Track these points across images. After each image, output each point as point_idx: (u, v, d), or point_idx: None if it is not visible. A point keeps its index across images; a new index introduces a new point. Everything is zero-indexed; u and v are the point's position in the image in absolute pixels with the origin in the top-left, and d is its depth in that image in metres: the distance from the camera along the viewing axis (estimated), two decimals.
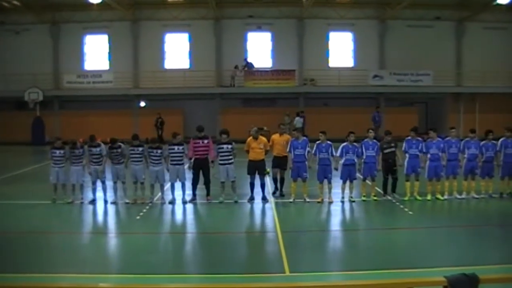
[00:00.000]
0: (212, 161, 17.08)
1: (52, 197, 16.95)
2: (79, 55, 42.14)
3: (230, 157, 16.85)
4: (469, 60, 41.89)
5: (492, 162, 17.39)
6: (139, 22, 41.60)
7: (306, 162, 16.89)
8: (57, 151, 16.94)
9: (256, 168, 16.96)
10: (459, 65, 42.48)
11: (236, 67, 40.35)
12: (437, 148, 16.95)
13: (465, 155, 17.27)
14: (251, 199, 17.06)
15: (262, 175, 17.10)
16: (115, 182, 16.96)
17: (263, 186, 17.09)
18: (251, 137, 17.29)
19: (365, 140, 17.20)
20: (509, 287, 7.00)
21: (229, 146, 16.88)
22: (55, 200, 16.88)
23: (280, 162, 17.31)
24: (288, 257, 11.02)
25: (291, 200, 16.88)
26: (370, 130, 17.50)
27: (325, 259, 11.40)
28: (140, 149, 16.91)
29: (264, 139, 17.37)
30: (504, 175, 17.50)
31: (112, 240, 13.47)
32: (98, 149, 16.83)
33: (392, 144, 17.23)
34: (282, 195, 17.31)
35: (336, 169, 16.87)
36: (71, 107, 42.02)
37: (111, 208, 16.49)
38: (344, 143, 16.86)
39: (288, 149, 16.99)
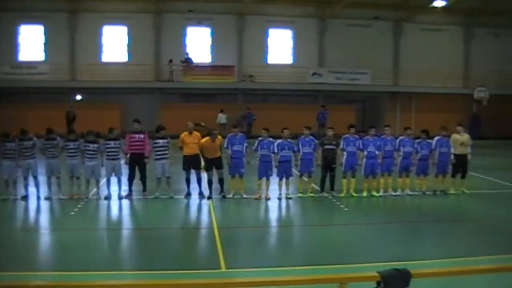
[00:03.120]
0: (147, 157, 16.85)
1: None
2: (13, 46, 40.91)
3: (166, 152, 16.71)
4: (406, 60, 42.96)
5: (427, 160, 17.78)
6: (77, 14, 40.75)
7: (244, 158, 16.86)
8: None
9: (191, 163, 16.82)
10: (396, 65, 43.48)
11: (171, 61, 40.04)
12: (374, 146, 17.20)
13: (400, 153, 17.58)
14: (188, 194, 16.92)
15: (198, 169, 16.97)
16: (49, 177, 16.52)
17: (199, 181, 16.97)
18: (186, 132, 17.05)
19: (302, 137, 17.27)
20: (439, 281, 7.13)
21: (165, 141, 16.73)
22: None
23: (214, 163, 16.91)
24: (224, 253, 10.96)
25: (229, 196, 16.83)
26: (305, 128, 17.51)
27: (261, 255, 11.36)
28: (76, 143, 16.54)
29: (198, 134, 17.17)
30: (439, 173, 17.95)
31: (46, 237, 13.10)
32: (30, 142, 16.32)
33: (333, 142, 17.37)
34: (224, 197, 16.87)
35: (276, 166, 16.87)
36: (4, 99, 40.77)
37: (44, 204, 16.07)
38: (279, 140, 16.87)
39: (225, 145, 16.92)
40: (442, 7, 38.87)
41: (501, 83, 41.38)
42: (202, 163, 17.28)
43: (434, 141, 17.80)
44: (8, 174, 16.33)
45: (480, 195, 18.50)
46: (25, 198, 16.44)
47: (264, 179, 16.85)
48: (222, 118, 37.70)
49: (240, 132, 17.27)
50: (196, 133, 17.10)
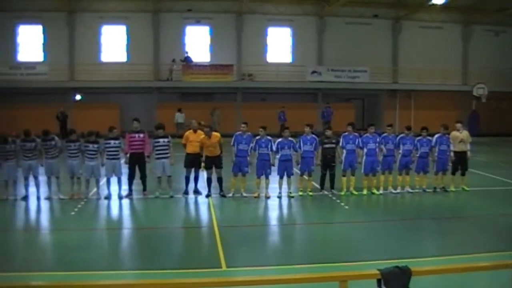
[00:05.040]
0: (148, 156, 16.86)
1: None
2: (12, 46, 40.82)
3: (166, 151, 16.71)
4: (405, 57, 42.94)
5: (427, 157, 17.79)
6: (75, 13, 40.66)
7: (248, 158, 16.87)
8: None
9: (193, 161, 16.83)
10: (395, 63, 43.47)
11: (173, 60, 40.03)
12: (374, 143, 17.22)
13: (400, 151, 17.60)
14: (186, 193, 16.97)
15: (198, 168, 17.01)
16: (49, 177, 16.54)
17: (196, 179, 17.05)
18: (190, 130, 17.10)
19: (303, 135, 17.28)
20: (440, 278, 7.14)
21: (165, 140, 16.74)
22: None
23: (213, 162, 16.93)
24: (225, 252, 10.98)
25: (229, 195, 16.84)
26: (306, 126, 17.54)
27: (261, 254, 11.37)
28: (76, 144, 16.54)
29: (201, 132, 17.18)
30: (438, 170, 17.94)
31: (46, 237, 13.10)
32: (32, 144, 16.34)
33: (333, 140, 17.37)
34: (223, 196, 16.87)
35: (274, 164, 16.88)
36: (3, 99, 40.71)
37: (45, 204, 16.07)
38: (280, 139, 16.88)
39: (232, 143, 16.91)
40: (441, 5, 38.85)
41: (500, 80, 41.42)
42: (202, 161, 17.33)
43: (434, 139, 17.81)
44: (8, 175, 16.34)
45: (480, 192, 18.49)
46: (25, 198, 16.43)
47: (263, 177, 16.84)
48: (179, 117, 37.65)
49: (248, 132, 17.13)
50: (200, 132, 17.12)
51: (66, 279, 9.20)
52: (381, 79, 42.35)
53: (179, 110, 38.00)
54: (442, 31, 43.53)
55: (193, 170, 16.99)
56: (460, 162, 18.09)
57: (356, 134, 17.59)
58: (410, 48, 42.76)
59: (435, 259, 10.42)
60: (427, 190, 17.85)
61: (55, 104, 37.97)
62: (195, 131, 17.05)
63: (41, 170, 16.71)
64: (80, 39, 40.74)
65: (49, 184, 16.58)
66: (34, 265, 10.58)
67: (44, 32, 41.00)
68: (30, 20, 40.45)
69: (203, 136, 16.86)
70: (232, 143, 16.92)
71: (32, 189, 16.68)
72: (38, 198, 16.42)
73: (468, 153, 18.19)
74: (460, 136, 18.04)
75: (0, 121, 35.11)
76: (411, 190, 17.70)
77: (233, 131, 17.51)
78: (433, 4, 38.83)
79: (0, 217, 14.81)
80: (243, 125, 17.20)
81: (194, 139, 16.90)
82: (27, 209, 15.78)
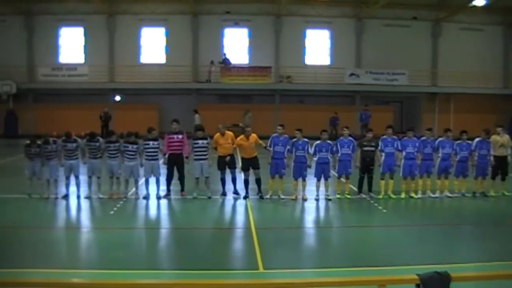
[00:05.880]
0: (187, 157, 16.97)
1: (27, 191, 16.67)
2: (54, 48, 41.68)
3: (205, 153, 16.79)
4: (445, 60, 42.38)
5: (466, 162, 17.55)
6: (115, 16, 41.31)
7: (285, 160, 16.87)
8: (32, 149, 16.64)
9: (225, 163, 16.88)
10: (434, 65, 42.92)
11: (212, 62, 40.22)
12: (413, 147, 17.06)
13: (439, 154, 17.41)
14: (223, 194, 17.02)
15: (233, 169, 17.05)
16: (90, 177, 16.80)
17: (234, 180, 17.05)
18: (218, 134, 17.09)
19: (341, 138, 17.24)
20: (480, 285, 7.05)
21: (204, 142, 16.82)
22: (31, 195, 16.61)
23: (251, 164, 16.99)
24: (262, 253, 10.99)
25: (267, 196, 16.86)
26: (345, 128, 17.49)
27: (298, 256, 11.36)
28: (116, 145, 16.77)
29: (231, 133, 17.21)
30: (478, 175, 17.70)
31: (86, 235, 13.28)
32: (73, 144, 16.63)
33: (373, 143, 17.26)
34: (261, 197, 16.88)
35: (310, 166, 16.85)
36: (45, 100, 41.53)
37: (85, 203, 16.31)
38: (318, 141, 16.83)
39: (268, 144, 16.95)
40: (482, 6, 38.24)
41: None
42: (238, 163, 17.36)
43: (474, 143, 17.58)
44: (50, 174, 16.69)
45: None
46: (66, 197, 16.72)
47: (300, 180, 16.82)
48: (197, 119, 37.67)
49: (285, 134, 17.13)
50: (229, 134, 17.16)
51: (104, 277, 9.31)
52: (420, 82, 41.95)
53: (196, 112, 38.16)
54: (483, 33, 42.83)
55: (228, 171, 17.03)
56: (500, 167, 17.83)
57: (394, 137, 17.46)
58: (450, 50, 42.19)
59: (475, 265, 10.28)
60: (466, 194, 17.62)
61: (95, 105, 38.58)
62: (223, 134, 17.05)
63: (82, 169, 16.99)
64: (120, 41, 41.35)
65: (89, 183, 16.84)
66: (74, 262, 10.78)
67: (85, 34, 41.72)
68: (72, 22, 41.29)
69: (240, 137, 16.93)
70: (269, 145, 16.95)
71: (72, 188, 16.95)
72: (78, 197, 16.68)
73: (509, 157, 17.91)
74: (501, 141, 17.78)
75: (43, 121, 35.98)
76: (450, 195, 17.47)
77: (270, 133, 17.51)
78: (474, 6, 38.24)
79: (41, 215, 15.08)
80: (279, 127, 17.19)
81: (223, 142, 16.92)
82: (67, 207, 16.04)
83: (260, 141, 17.10)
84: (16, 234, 12.77)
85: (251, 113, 37.78)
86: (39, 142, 16.71)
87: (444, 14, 42.09)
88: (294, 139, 16.87)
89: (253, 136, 17.02)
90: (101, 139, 17.07)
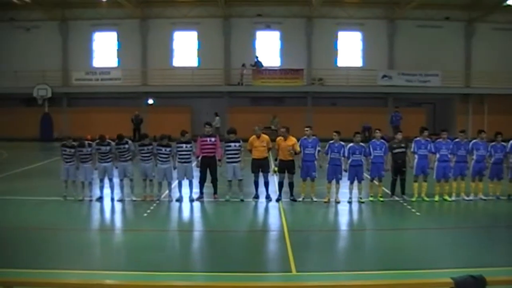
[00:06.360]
0: (219, 160, 17.04)
1: (62, 194, 16.97)
2: (88, 52, 42.37)
3: (238, 155, 16.84)
4: (478, 61, 41.90)
5: (501, 164, 17.31)
6: (148, 20, 41.77)
7: (316, 162, 16.84)
8: (67, 149, 16.91)
9: (259, 166, 16.88)
10: (468, 66, 42.45)
11: (243, 65, 40.35)
12: (447, 149, 16.90)
13: (473, 156, 17.21)
14: (256, 197, 17.03)
15: (266, 173, 17.04)
16: (121, 180, 17.00)
17: (266, 184, 17.00)
18: (253, 136, 17.12)
19: (373, 140, 17.16)
20: None
21: (237, 145, 16.86)
22: (66, 197, 16.89)
23: (286, 166, 16.91)
24: (295, 256, 10.99)
25: (299, 199, 16.85)
26: (377, 131, 17.41)
27: (331, 259, 11.35)
28: (149, 147, 16.93)
29: (266, 137, 17.18)
30: None
31: (119, 237, 13.49)
32: (107, 147, 16.84)
33: (403, 145, 17.14)
34: (293, 200, 16.86)
35: (346, 170, 16.79)
36: (79, 103, 42.20)
37: (118, 206, 16.51)
38: (351, 144, 16.76)
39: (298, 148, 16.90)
40: None
41: None
42: (272, 166, 17.36)
43: (509, 145, 17.30)
44: (85, 176, 16.92)
45: None
46: (100, 199, 16.94)
47: (333, 182, 16.79)
48: (217, 121, 37.77)
49: (313, 136, 17.12)
50: (264, 136, 17.13)
51: (138, 278, 9.39)
52: (453, 83, 41.47)
53: (216, 114, 38.25)
54: None
55: (261, 175, 17.06)
56: None
57: (428, 139, 17.31)
58: (483, 50, 41.66)
59: (510, 269, 10.16)
60: (501, 197, 17.36)
61: (128, 108, 39.01)
62: (258, 137, 17.03)
63: (116, 172, 17.20)
64: (153, 44, 41.78)
65: (121, 186, 17.03)
66: (108, 264, 10.95)
67: (118, 39, 42.23)
68: (105, 27, 41.93)
69: (278, 138, 16.98)
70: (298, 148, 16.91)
71: (106, 191, 17.16)
72: (112, 200, 16.90)
73: None
74: None
75: (77, 125, 36.54)
76: (484, 198, 17.25)
77: (302, 136, 17.47)
78: (508, 5, 37.74)
79: (76, 217, 15.27)
80: (306, 129, 17.18)
81: (258, 145, 16.90)
82: (101, 209, 16.25)
83: (297, 148, 16.96)
84: (52, 236, 12.99)
85: (278, 118, 37.77)
86: (74, 143, 16.97)
87: (477, 14, 41.60)
88: (331, 141, 16.83)
89: (292, 139, 16.85)
90: (130, 142, 17.25)
